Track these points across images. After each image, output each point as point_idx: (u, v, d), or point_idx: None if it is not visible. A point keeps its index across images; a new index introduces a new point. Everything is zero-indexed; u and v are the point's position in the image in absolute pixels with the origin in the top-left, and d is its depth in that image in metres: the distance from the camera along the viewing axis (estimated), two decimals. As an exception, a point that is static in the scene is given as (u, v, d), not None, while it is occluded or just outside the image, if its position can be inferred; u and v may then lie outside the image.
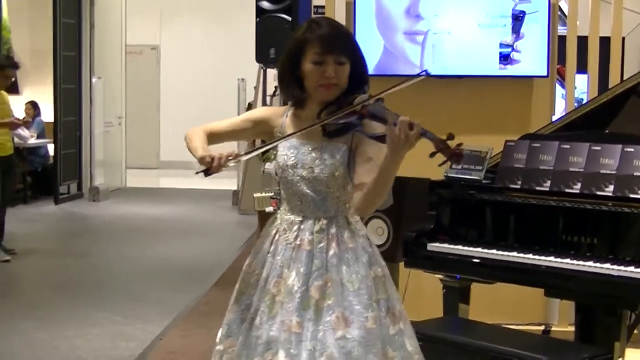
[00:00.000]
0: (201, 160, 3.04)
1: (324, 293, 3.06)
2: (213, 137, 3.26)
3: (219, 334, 3.29)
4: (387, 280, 3.20)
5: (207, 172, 3.04)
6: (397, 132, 2.83)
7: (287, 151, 3.19)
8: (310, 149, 3.16)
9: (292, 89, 3.18)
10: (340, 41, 3.13)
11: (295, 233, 3.16)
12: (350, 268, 3.11)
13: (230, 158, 3.02)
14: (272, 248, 3.20)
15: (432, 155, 2.89)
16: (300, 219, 3.18)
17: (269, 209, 9.12)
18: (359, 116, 3.05)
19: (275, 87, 9.62)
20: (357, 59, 3.17)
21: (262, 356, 3.08)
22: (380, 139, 2.94)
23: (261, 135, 3.37)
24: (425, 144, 2.92)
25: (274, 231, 3.23)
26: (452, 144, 2.87)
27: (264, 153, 3.11)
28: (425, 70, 3.12)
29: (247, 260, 3.30)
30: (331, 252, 3.11)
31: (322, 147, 3.15)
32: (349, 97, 3.12)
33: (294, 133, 3.15)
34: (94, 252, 9.87)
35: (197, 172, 3.09)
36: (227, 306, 3.31)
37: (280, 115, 3.29)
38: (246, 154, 3.21)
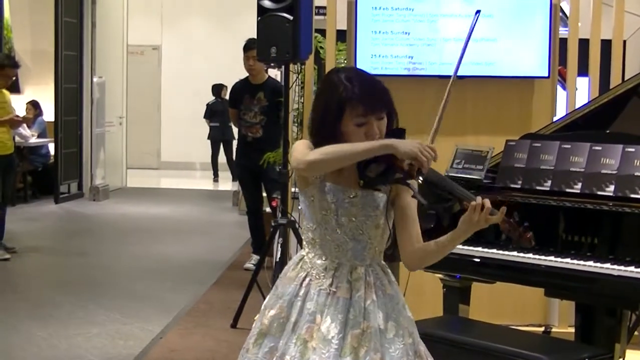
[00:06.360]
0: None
1: (361, 340, 3.02)
2: None
3: None
4: (413, 320, 3.21)
5: None
6: (477, 217, 2.92)
7: (326, 196, 3.08)
8: (350, 197, 3.06)
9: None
10: (380, 98, 3.04)
11: (331, 280, 3.09)
12: (389, 315, 3.09)
13: None
14: (302, 292, 3.11)
15: (502, 234, 2.99)
16: (336, 265, 3.11)
17: (267, 209, 9.12)
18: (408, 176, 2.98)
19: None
20: (392, 108, 3.08)
21: None
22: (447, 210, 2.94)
23: None
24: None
25: (304, 274, 3.14)
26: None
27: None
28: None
29: (266, 301, 3.21)
30: (369, 301, 3.07)
31: (363, 197, 3.06)
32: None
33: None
34: (94, 251, 9.88)
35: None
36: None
37: None
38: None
